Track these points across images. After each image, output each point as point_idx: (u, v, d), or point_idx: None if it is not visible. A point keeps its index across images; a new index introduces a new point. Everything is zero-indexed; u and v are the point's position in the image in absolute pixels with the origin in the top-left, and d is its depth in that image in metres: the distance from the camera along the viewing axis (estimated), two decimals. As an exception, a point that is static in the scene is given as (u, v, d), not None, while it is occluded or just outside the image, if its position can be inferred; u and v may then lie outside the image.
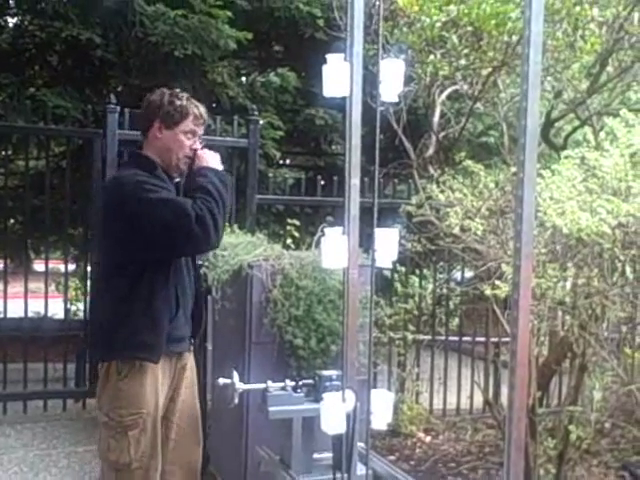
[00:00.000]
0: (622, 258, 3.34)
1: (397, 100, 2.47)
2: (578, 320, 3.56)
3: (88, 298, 5.28)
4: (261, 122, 6.03)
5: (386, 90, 2.37)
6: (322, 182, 5.70)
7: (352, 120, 2.48)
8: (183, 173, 2.92)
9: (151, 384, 2.75)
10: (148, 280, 2.72)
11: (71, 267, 6.84)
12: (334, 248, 2.42)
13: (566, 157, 3.69)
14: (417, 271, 5.53)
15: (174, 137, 2.82)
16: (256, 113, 5.50)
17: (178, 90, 2.90)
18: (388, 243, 2.40)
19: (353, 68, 2.46)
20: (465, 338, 5.71)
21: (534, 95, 1.91)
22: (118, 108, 4.97)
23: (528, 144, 1.92)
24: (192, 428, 3.01)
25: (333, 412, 2.38)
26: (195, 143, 2.87)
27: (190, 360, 3.02)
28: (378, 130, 2.30)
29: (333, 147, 8.98)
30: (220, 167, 2.88)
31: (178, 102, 2.82)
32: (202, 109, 2.89)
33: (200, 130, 2.89)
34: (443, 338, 5.58)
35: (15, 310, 5.27)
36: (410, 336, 5.27)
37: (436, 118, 5.73)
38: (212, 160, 2.87)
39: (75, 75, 7.28)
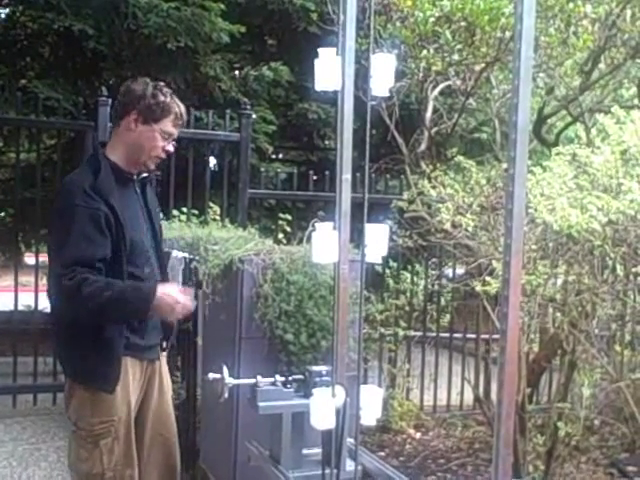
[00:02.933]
0: (612, 255, 3.35)
1: (388, 94, 2.46)
2: (568, 317, 3.57)
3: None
4: (254, 116, 6.02)
5: (377, 84, 2.36)
6: (314, 177, 5.69)
7: (344, 115, 2.47)
8: (151, 171, 2.78)
9: (122, 389, 2.64)
10: None
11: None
12: (325, 243, 2.41)
13: (557, 154, 3.69)
14: (409, 267, 5.52)
15: (149, 134, 2.63)
16: (249, 107, 5.49)
17: (163, 84, 2.72)
18: (378, 238, 2.39)
19: (345, 62, 2.45)
20: (456, 335, 5.72)
21: (525, 91, 1.90)
22: (110, 101, 4.94)
23: (519, 140, 1.91)
24: (167, 431, 2.91)
25: (323, 407, 2.37)
26: (169, 145, 2.70)
27: (162, 365, 2.91)
28: (369, 125, 2.29)
29: (326, 142, 8.97)
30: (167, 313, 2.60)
31: (162, 98, 2.63)
32: (183, 109, 2.70)
33: (176, 132, 2.71)
34: (434, 334, 5.59)
35: (5, 303, 5.25)
36: (401, 332, 5.27)
37: (429, 114, 5.72)
38: (166, 305, 2.54)
39: (67, 67, 7.26)
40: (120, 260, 2.56)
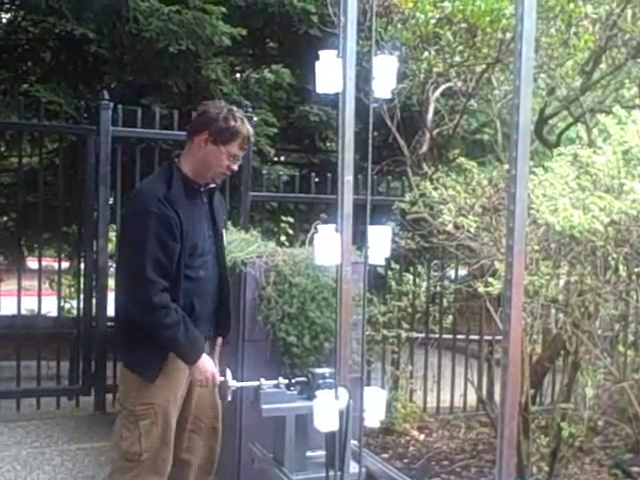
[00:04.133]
0: (615, 256, 3.35)
1: (390, 96, 2.47)
2: (571, 318, 3.57)
3: (82, 296, 5.27)
4: (255, 119, 6.02)
5: (379, 86, 2.37)
6: (316, 179, 5.69)
7: (345, 117, 2.48)
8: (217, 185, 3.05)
9: (163, 379, 2.88)
10: None
11: (65, 264, 6.82)
12: (327, 245, 2.42)
13: (559, 154, 3.69)
14: (411, 268, 5.52)
15: (217, 154, 2.88)
16: (250, 110, 5.49)
17: (236, 108, 2.94)
18: (381, 240, 2.40)
19: (346, 64, 2.46)
20: (459, 336, 5.71)
21: (527, 91, 1.91)
22: (111, 104, 4.95)
23: (520, 141, 1.92)
24: (211, 418, 3.11)
25: (326, 409, 2.38)
26: (234, 164, 2.94)
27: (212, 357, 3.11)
28: (371, 127, 2.29)
29: (327, 144, 8.97)
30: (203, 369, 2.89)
31: (232, 122, 2.86)
32: (251, 132, 2.95)
33: (242, 153, 2.95)
34: (437, 336, 5.58)
35: (8, 308, 5.25)
36: (404, 334, 5.26)
37: (430, 115, 5.72)
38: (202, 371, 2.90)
39: (68, 71, 7.26)
40: (179, 264, 2.83)
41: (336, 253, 2.41)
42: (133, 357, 2.94)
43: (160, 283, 2.75)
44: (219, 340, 3.14)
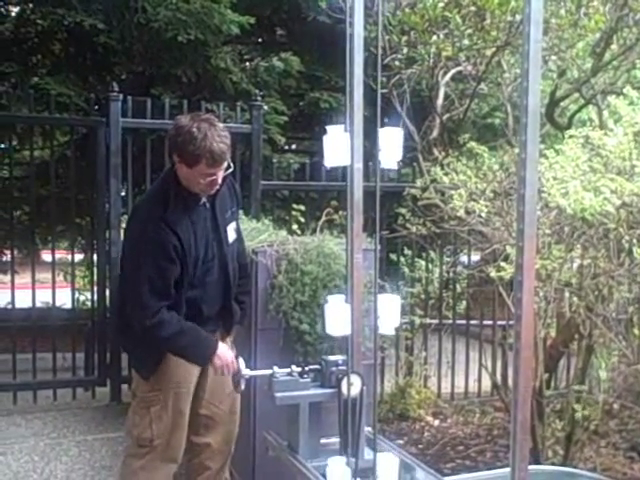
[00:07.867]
0: (628, 238, 3.32)
1: (396, 167, 2.50)
2: (585, 301, 3.55)
3: (95, 288, 5.29)
4: (265, 107, 6.01)
5: (385, 157, 2.40)
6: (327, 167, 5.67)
7: (354, 103, 2.48)
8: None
9: (171, 365, 2.96)
10: None
11: (78, 257, 6.85)
12: (336, 146, 2.43)
13: (570, 137, 3.66)
14: (423, 255, 5.51)
15: (191, 175, 2.83)
16: (260, 98, 5.48)
17: (197, 126, 2.75)
18: (390, 310, 2.44)
19: (354, 50, 2.46)
20: (472, 321, 5.70)
21: (535, 74, 1.90)
22: (121, 96, 4.96)
23: (530, 124, 1.91)
24: (226, 401, 3.16)
25: (337, 313, 2.41)
26: (217, 178, 2.85)
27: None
28: (379, 113, 2.28)
29: (338, 131, 8.93)
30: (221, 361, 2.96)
31: (191, 147, 2.74)
32: (217, 148, 2.75)
33: (217, 168, 2.82)
34: (450, 322, 5.58)
35: (23, 300, 5.28)
36: (417, 320, 5.26)
37: (440, 100, 5.68)
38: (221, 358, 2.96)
39: (78, 63, 7.27)
40: (182, 280, 2.88)
41: (346, 153, 2.41)
42: (131, 354, 3.19)
43: (155, 305, 2.81)
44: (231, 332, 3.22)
